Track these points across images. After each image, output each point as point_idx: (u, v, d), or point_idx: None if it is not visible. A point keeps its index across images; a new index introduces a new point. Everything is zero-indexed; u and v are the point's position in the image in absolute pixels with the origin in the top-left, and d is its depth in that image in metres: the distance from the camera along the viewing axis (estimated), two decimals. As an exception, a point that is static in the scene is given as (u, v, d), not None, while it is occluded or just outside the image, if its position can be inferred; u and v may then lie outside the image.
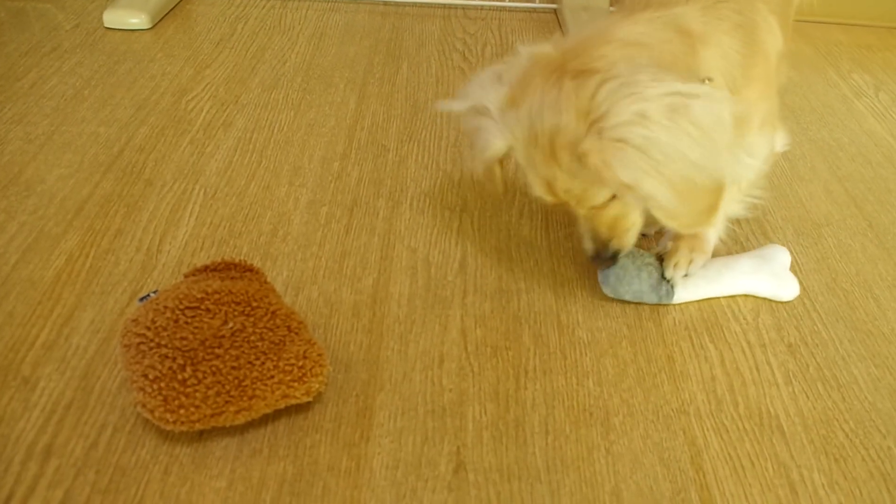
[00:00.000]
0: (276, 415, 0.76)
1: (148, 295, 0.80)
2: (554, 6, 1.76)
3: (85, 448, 0.72)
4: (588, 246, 0.86)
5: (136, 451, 0.72)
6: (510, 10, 1.75)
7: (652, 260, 0.92)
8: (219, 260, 0.86)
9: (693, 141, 0.69)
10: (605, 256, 0.85)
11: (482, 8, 1.74)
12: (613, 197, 0.79)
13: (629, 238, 0.85)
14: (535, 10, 1.75)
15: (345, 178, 1.13)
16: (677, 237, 0.92)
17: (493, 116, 0.80)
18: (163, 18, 1.59)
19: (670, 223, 0.77)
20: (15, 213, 1.01)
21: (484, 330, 0.88)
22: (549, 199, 0.81)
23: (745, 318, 0.92)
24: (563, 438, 0.76)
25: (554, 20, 1.72)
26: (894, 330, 0.92)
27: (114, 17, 1.53)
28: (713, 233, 0.94)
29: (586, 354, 0.86)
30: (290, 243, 0.99)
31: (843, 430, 0.79)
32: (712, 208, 0.75)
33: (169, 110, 1.27)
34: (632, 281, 0.90)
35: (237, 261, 0.86)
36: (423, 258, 0.98)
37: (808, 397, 0.83)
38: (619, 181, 0.71)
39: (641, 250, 0.92)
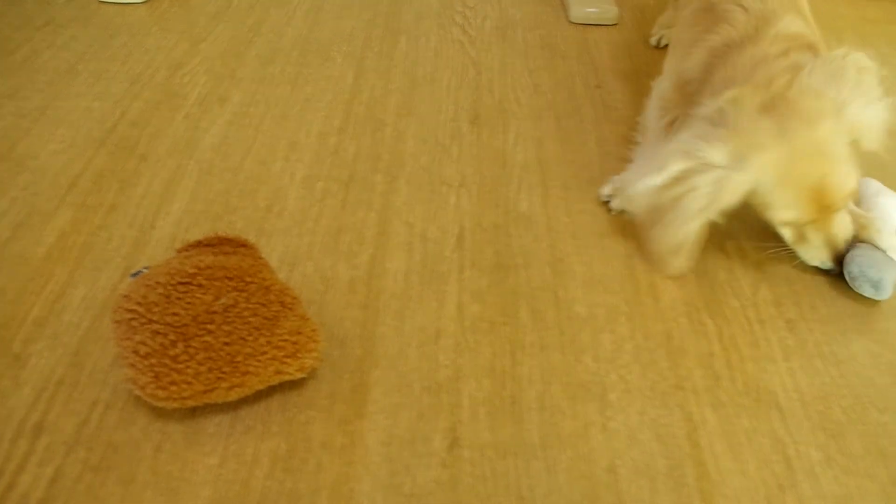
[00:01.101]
0: (270, 391, 0.75)
1: (140, 270, 0.80)
2: (554, -21, 1.72)
3: (76, 425, 0.72)
4: (829, 263, 0.91)
5: (127, 428, 0.72)
6: (510, -18, 1.72)
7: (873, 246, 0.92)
8: (212, 235, 0.85)
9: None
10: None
11: (481, -20, 1.71)
12: None
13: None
14: (535, -18, 1.72)
15: (341, 153, 1.12)
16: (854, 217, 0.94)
17: (721, 166, 0.83)
18: (157, -8, 1.56)
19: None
20: (7, 189, 1.00)
21: (481, 305, 0.88)
22: (808, 213, 0.86)
23: (744, 294, 0.91)
24: (559, 414, 0.76)
25: (554, -7, 1.69)
26: (893, 306, 0.91)
27: (107, -9, 1.50)
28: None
29: (584, 330, 0.86)
30: (285, 219, 0.98)
31: (840, 406, 0.79)
32: None
33: (163, 85, 1.26)
34: (891, 269, 0.90)
35: (231, 236, 0.85)
36: (420, 233, 0.97)
37: (805, 373, 0.82)
38: (881, 140, 0.87)
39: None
